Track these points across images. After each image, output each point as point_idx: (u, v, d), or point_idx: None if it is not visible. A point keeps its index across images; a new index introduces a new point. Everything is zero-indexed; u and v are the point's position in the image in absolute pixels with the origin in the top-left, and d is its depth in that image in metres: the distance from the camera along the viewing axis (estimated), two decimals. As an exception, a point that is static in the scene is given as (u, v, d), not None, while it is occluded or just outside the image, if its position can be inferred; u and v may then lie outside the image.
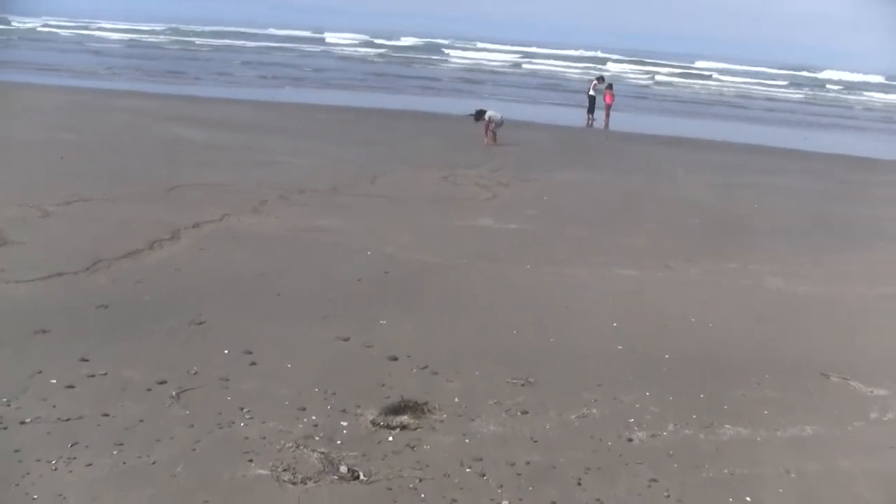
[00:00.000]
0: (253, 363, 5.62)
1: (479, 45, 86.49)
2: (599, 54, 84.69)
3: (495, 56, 74.11)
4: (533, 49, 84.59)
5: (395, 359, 5.88)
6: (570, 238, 10.41)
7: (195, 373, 5.37)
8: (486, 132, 19.71)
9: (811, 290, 8.90)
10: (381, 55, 65.79)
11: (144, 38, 67.03)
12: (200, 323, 6.30)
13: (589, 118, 26.82)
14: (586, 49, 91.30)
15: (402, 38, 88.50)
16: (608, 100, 26.98)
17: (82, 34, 64.55)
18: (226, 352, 5.78)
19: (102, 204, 10.15)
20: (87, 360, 5.41)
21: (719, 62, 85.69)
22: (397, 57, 64.18)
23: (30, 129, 16.36)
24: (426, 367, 5.78)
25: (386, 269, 8.24)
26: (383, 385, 5.42)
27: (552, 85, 47.36)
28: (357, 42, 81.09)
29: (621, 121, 26.95)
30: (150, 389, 5.08)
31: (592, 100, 26.86)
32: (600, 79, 27.76)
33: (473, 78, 47.81)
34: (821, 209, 14.22)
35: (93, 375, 5.21)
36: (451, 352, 6.13)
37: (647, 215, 12.35)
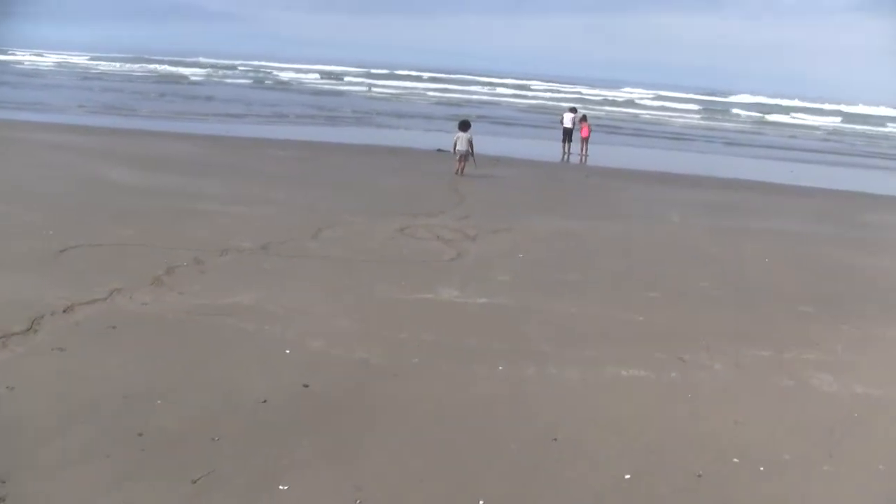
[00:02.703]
0: None
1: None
2: (534, 83, 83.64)
3: (422, 84, 72.28)
4: (466, 76, 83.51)
5: (287, 582, 3.62)
6: (553, 316, 8.19)
7: None
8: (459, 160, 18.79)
9: (873, 392, 6.72)
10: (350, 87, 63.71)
11: (76, 66, 64.11)
12: (-15, 511, 4.00)
13: (564, 150, 25.17)
14: (516, 77, 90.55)
15: (344, 66, 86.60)
16: (584, 133, 25.35)
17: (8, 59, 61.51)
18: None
19: (-48, 277, 7.83)
20: None
21: (637, 88, 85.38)
22: (337, 89, 62.09)
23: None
24: None
25: (306, 381, 5.95)
26: None
27: (510, 119, 45.35)
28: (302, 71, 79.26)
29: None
30: None
31: (568, 132, 25.21)
32: (573, 109, 26.49)
33: (410, 111, 45.51)
34: (845, 263, 12.11)
35: None
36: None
37: (647, 276, 10.18)
